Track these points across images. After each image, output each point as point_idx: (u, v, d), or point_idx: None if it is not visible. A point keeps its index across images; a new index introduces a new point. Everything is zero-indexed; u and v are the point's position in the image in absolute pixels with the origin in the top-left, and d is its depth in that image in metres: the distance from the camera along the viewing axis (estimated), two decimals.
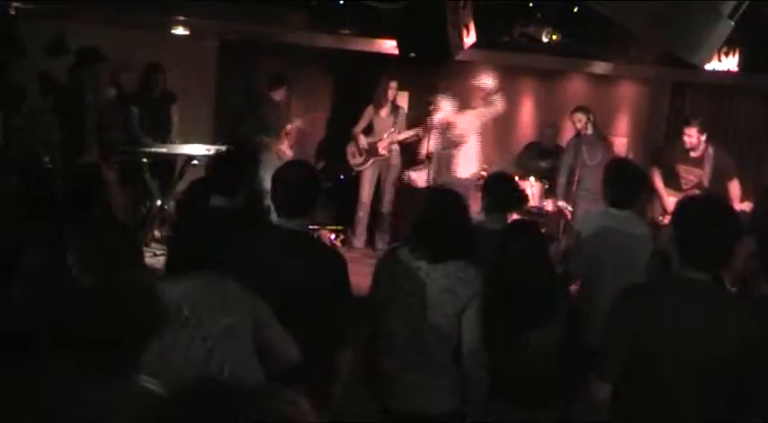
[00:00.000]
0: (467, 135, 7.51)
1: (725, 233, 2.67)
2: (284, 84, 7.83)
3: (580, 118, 7.21)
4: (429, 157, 7.38)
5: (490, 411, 3.27)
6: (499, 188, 4.35)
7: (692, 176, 6.72)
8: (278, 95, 7.79)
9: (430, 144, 7.45)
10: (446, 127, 7.52)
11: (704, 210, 2.75)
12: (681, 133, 6.69)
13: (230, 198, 3.72)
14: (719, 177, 6.66)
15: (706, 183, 6.65)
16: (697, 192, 6.48)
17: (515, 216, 7.05)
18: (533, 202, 7.47)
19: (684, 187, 6.71)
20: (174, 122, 7.41)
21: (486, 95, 7.47)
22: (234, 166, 3.87)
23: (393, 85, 7.78)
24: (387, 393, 3.31)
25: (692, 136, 6.55)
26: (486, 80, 7.49)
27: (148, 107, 7.24)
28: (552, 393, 3.34)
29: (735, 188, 6.66)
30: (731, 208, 2.78)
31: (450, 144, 7.52)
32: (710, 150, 6.65)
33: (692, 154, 6.65)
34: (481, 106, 7.52)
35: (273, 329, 2.77)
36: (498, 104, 7.50)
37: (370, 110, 7.90)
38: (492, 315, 3.24)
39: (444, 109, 7.49)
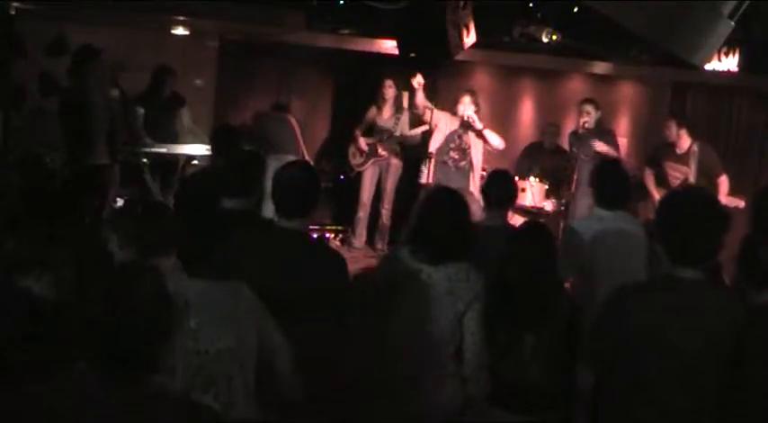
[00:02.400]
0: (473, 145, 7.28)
1: (711, 228, 2.64)
2: (285, 107, 7.92)
3: (589, 110, 7.15)
4: (429, 156, 7.31)
5: (488, 416, 3.26)
6: (498, 186, 4.35)
7: (678, 173, 6.98)
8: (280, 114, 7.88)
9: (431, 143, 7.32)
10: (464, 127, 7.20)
11: (688, 205, 2.72)
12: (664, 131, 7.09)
13: (243, 200, 3.72)
14: (706, 174, 6.87)
15: (692, 179, 6.87)
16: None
17: (518, 216, 7.14)
18: (534, 202, 7.47)
19: (672, 185, 6.93)
20: (185, 125, 7.38)
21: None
22: (248, 168, 3.87)
23: (389, 83, 7.75)
24: (387, 395, 3.31)
25: (671, 129, 6.94)
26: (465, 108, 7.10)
27: (155, 109, 7.22)
28: (551, 398, 3.32)
29: (723, 184, 6.87)
30: (716, 201, 2.75)
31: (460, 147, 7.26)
32: (695, 147, 6.88)
33: (678, 151, 6.94)
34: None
35: (280, 358, 2.65)
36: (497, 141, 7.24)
37: (373, 110, 7.91)
38: (493, 318, 3.23)
39: (467, 110, 7.10)
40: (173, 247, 2.64)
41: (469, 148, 7.19)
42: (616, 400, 2.78)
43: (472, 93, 7.31)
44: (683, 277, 2.66)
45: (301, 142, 7.84)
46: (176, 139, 7.27)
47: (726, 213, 2.70)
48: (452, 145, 7.16)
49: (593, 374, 2.85)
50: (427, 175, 7.15)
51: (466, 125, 7.12)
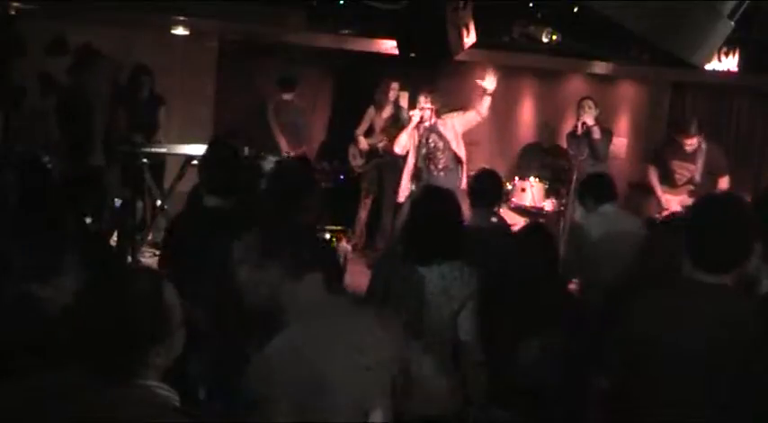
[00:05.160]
0: (450, 141, 6.74)
1: (744, 234, 2.59)
2: (294, 85, 7.91)
3: (591, 105, 7.12)
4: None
5: (488, 415, 3.26)
6: (484, 185, 4.36)
7: (685, 172, 6.92)
8: (288, 97, 7.85)
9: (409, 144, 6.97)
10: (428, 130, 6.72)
11: (722, 210, 2.65)
12: (680, 138, 6.83)
13: (224, 198, 3.67)
14: (710, 173, 6.85)
15: (698, 178, 6.85)
16: (691, 187, 6.85)
17: (518, 216, 7.13)
18: (533, 202, 7.46)
19: (678, 183, 6.93)
20: (160, 124, 7.36)
21: (480, 96, 6.72)
22: (226, 166, 3.83)
23: (394, 85, 7.74)
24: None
25: (693, 142, 6.74)
26: (488, 81, 6.64)
27: (135, 108, 7.22)
28: (551, 399, 3.32)
29: (724, 184, 6.84)
30: (747, 207, 2.71)
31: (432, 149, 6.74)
32: (703, 146, 6.83)
33: (686, 149, 6.84)
34: (471, 108, 6.81)
35: None
36: (483, 109, 6.67)
37: (371, 111, 7.88)
38: (493, 318, 3.23)
39: (424, 111, 6.64)
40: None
41: (443, 143, 6.69)
42: (628, 403, 2.76)
43: (429, 91, 6.83)
44: (704, 282, 2.59)
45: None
46: (154, 138, 7.25)
47: (755, 220, 2.64)
48: (424, 150, 6.69)
49: (608, 377, 2.78)
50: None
51: (430, 127, 6.65)
